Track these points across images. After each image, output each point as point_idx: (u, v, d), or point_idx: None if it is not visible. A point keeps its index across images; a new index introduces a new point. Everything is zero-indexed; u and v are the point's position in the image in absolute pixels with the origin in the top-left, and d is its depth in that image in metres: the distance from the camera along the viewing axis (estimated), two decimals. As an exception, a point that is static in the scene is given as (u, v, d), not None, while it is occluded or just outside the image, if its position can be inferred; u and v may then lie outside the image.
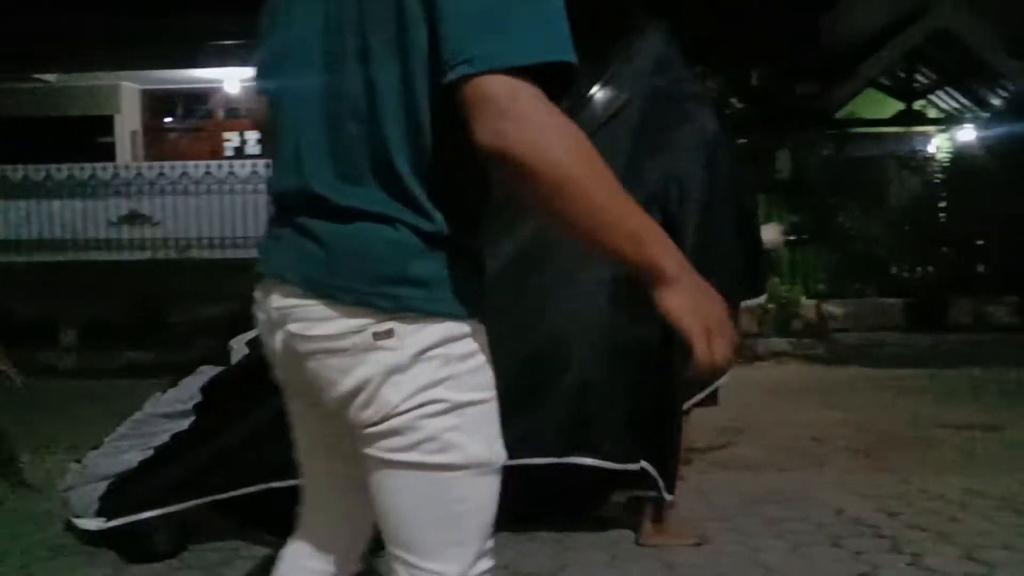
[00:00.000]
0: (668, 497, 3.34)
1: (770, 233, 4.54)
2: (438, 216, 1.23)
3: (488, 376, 1.31)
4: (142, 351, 8.36)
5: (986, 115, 11.31)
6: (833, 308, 8.93)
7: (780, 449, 5.19)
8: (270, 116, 1.42)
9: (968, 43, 11.10)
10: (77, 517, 3.19)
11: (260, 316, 1.39)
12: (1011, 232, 9.13)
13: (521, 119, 1.09)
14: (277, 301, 1.30)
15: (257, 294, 1.39)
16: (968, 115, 12.00)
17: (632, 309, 3.06)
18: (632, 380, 3.20)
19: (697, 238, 3.12)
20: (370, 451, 1.28)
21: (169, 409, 3.20)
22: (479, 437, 1.28)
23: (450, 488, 1.27)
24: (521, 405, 2.87)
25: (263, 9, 1.42)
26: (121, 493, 3.10)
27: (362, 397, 1.24)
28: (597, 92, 3.28)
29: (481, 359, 1.29)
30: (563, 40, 1.14)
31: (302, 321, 1.27)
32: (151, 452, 3.13)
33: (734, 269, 3.33)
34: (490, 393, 1.31)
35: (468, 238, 1.28)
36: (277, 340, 1.34)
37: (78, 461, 3.36)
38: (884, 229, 9.60)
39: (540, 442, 3.02)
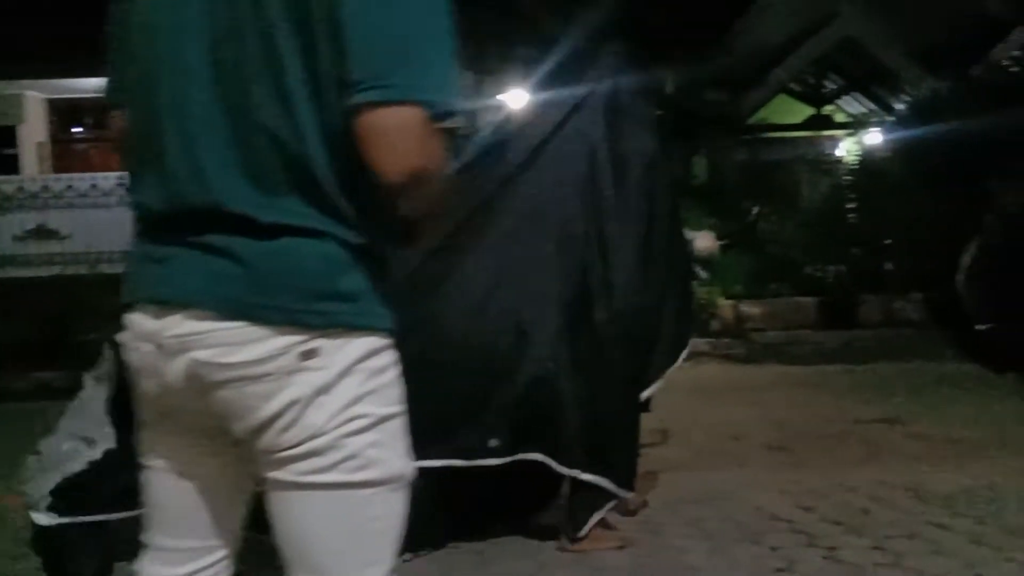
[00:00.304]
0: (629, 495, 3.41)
1: (705, 241, 4.68)
2: (363, 228, 1.22)
3: (401, 388, 1.30)
4: (53, 371, 8.02)
5: (891, 119, 11.80)
6: (750, 308, 9.17)
7: (701, 449, 5.30)
8: (133, 131, 1.33)
9: (873, 50, 11.58)
10: (32, 509, 3.02)
11: (140, 347, 1.28)
12: (916, 232, 9.54)
13: (414, 150, 1.13)
14: (177, 328, 1.22)
15: (133, 323, 1.29)
16: (874, 119, 12.51)
17: (584, 312, 3.20)
18: (585, 384, 3.23)
19: (632, 315, 3.26)
20: (279, 475, 1.24)
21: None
22: (396, 451, 1.27)
23: (367, 506, 1.25)
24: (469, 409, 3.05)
25: (110, 17, 1.33)
26: (75, 490, 2.98)
27: (283, 421, 1.20)
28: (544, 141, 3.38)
29: (396, 371, 1.29)
30: (456, 82, 1.21)
31: (216, 347, 1.19)
32: (100, 455, 2.97)
33: (666, 337, 3.52)
34: (403, 406, 1.30)
35: (386, 249, 1.27)
36: (173, 371, 1.24)
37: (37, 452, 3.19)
38: (797, 231, 9.91)
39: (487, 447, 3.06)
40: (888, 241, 9.96)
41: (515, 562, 3.41)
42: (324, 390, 1.20)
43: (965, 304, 8.36)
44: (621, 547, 3.49)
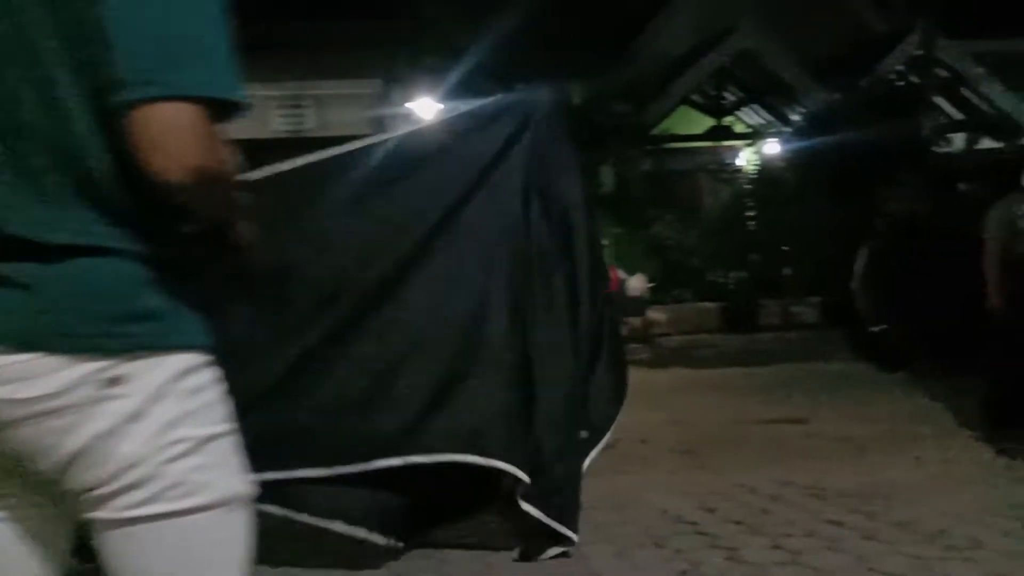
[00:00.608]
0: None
1: (636, 283, 4.84)
2: (159, 239, 1.13)
3: (227, 406, 1.22)
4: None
5: (787, 130, 12.26)
6: (656, 314, 9.34)
7: (609, 453, 5.31)
8: None
9: (769, 64, 12.01)
10: None
11: None
12: (811, 238, 9.93)
13: (188, 148, 1.07)
14: None
15: None
16: (772, 130, 12.96)
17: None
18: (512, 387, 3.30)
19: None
20: (101, 514, 1.14)
21: None
22: (227, 472, 1.20)
23: (203, 533, 1.17)
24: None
25: None
26: None
27: (92, 456, 1.11)
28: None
29: (218, 389, 1.20)
30: (236, 78, 1.16)
31: (9, 383, 1.10)
32: None
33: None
34: (231, 424, 1.22)
35: (191, 260, 1.19)
36: None
37: None
38: (700, 238, 10.18)
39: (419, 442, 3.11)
40: (785, 248, 10.32)
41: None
42: (134, 418, 1.11)
43: (859, 307, 8.73)
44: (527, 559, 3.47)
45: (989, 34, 13.06)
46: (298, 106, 11.39)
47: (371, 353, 3.16)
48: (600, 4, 10.36)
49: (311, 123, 11.46)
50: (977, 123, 12.71)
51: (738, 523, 3.84)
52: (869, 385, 7.26)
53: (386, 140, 3.50)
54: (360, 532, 3.21)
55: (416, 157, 3.40)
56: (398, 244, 3.27)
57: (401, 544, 3.33)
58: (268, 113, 11.36)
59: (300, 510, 3.13)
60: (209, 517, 1.18)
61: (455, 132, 3.58)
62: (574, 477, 3.48)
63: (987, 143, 12.72)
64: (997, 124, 12.42)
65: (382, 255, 3.25)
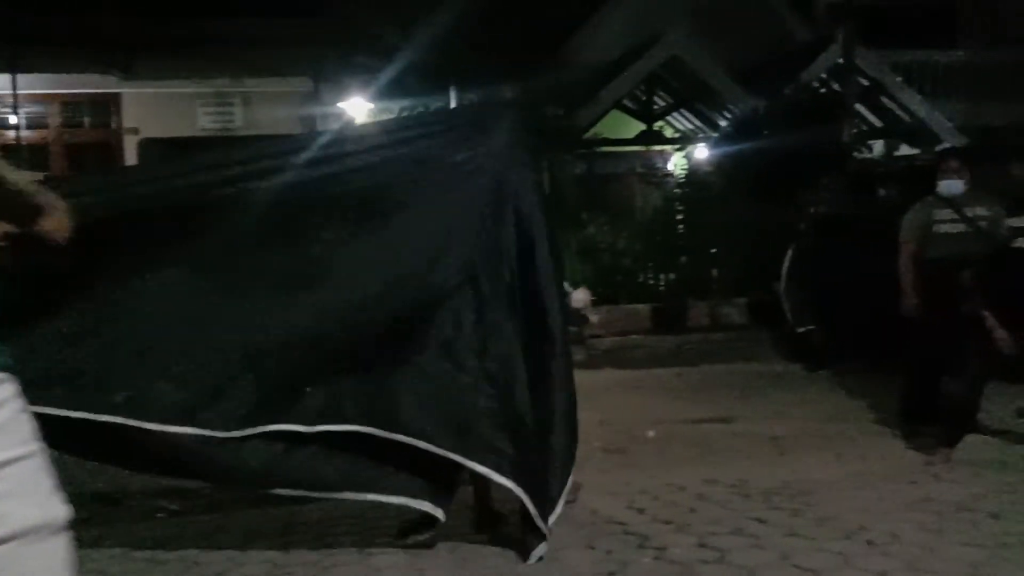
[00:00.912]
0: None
1: (580, 295, 4.97)
2: None
3: (29, 426, 1.14)
4: None
5: (715, 135, 12.51)
6: (589, 315, 9.38)
7: (541, 456, 5.36)
8: None
9: (697, 70, 12.23)
10: None
11: None
12: (739, 240, 10.14)
13: None
14: None
15: None
16: (700, 135, 13.21)
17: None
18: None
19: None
20: None
21: None
22: (27, 498, 1.12)
23: (8, 567, 1.08)
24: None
25: None
26: None
27: None
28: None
29: (14, 408, 1.13)
30: None
31: None
32: None
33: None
34: (34, 445, 1.14)
35: None
36: None
37: None
38: (631, 241, 10.29)
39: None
40: (714, 250, 10.51)
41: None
42: None
43: (785, 308, 8.95)
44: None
45: (905, 45, 13.60)
46: (226, 104, 11.14)
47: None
48: (532, 8, 10.40)
49: (239, 121, 11.21)
50: (895, 130, 13.20)
51: (666, 522, 3.88)
52: (794, 384, 7.45)
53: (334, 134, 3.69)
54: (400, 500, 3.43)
55: (372, 159, 3.47)
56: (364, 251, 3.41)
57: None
58: (195, 111, 11.09)
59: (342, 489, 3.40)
60: (12, 549, 1.08)
61: (415, 133, 3.63)
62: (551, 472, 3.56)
63: (905, 149, 13.23)
64: (913, 131, 12.92)
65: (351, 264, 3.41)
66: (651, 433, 5.79)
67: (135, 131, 11.24)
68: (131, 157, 11.27)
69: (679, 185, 11.09)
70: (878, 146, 13.06)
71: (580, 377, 7.90)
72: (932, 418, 5.42)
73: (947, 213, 5.35)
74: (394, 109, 9.37)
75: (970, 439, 5.00)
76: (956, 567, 3.31)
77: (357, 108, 9.19)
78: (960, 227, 5.30)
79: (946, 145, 10.56)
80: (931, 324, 5.33)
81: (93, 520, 4.30)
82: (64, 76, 10.05)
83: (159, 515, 4.51)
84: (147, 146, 11.33)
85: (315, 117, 9.66)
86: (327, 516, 4.24)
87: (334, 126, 9.51)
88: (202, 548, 3.83)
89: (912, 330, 5.47)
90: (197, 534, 4.07)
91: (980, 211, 5.30)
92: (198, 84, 10.58)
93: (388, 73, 9.26)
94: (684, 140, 13.25)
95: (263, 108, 10.84)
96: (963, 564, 3.34)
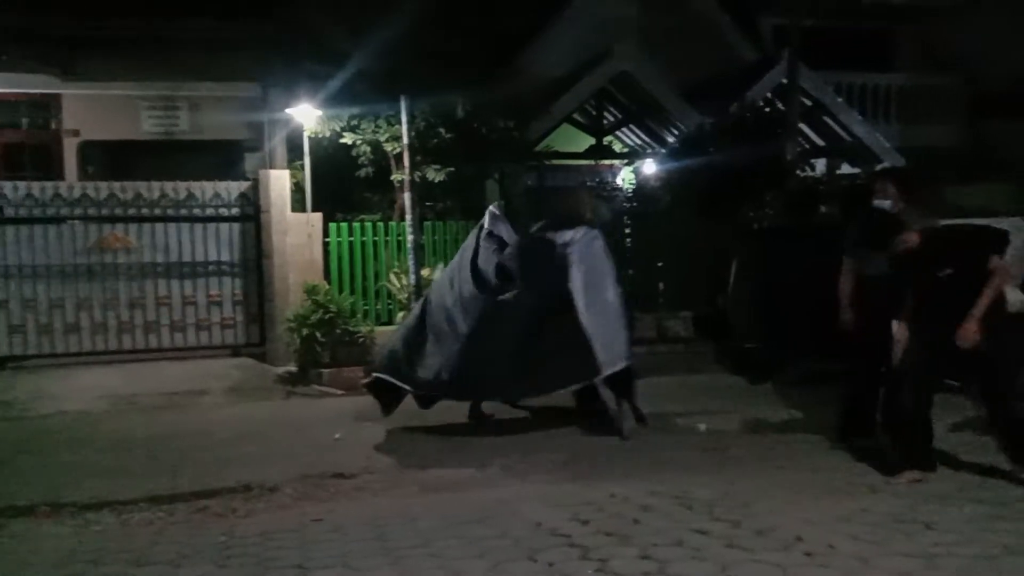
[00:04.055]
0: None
1: None
2: None
3: None
4: None
5: (663, 151, 12.67)
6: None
7: (487, 465, 5.34)
8: None
9: (645, 86, 12.39)
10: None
11: None
12: (684, 254, 10.27)
13: None
14: None
15: None
16: (648, 150, 13.37)
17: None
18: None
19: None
20: None
21: None
22: None
23: None
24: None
25: None
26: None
27: None
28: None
29: None
30: None
31: None
32: None
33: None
34: None
35: None
36: None
37: None
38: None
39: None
40: (660, 263, 10.62)
41: None
42: None
43: (731, 321, 9.08)
44: None
45: (846, 67, 13.99)
46: (171, 107, 10.92)
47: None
48: (484, 19, 10.42)
49: (184, 125, 10.99)
50: (836, 149, 13.54)
51: (609, 534, 3.90)
52: (737, 397, 7.55)
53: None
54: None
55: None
56: None
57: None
58: (138, 114, 10.84)
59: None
60: None
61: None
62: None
63: (846, 168, 13.57)
64: (854, 150, 13.26)
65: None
66: (595, 445, 5.81)
67: (75, 133, 10.94)
68: (71, 160, 10.98)
69: (627, 199, 11.19)
70: (820, 164, 13.36)
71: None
72: (865, 431, 5.56)
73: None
74: (343, 116, 9.30)
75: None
76: (890, 577, 3.39)
77: (306, 115, 9.08)
78: None
79: (885, 165, 10.86)
80: (865, 338, 5.47)
81: (27, 534, 4.17)
82: (1, 75, 9.74)
83: (95, 528, 4.39)
84: (88, 149, 11.05)
85: (263, 123, 9.52)
86: (265, 531, 4.17)
87: (281, 131, 9.39)
88: (138, 564, 3.73)
89: (848, 345, 5.60)
90: (132, 548, 3.97)
91: None
92: (142, 86, 10.34)
93: (338, 80, 9.17)
94: (633, 155, 13.38)
95: (209, 113, 10.64)
96: (896, 574, 3.42)
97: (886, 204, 5.50)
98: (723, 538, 3.81)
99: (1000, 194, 10.12)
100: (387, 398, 6.42)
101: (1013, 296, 5.37)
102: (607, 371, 5.90)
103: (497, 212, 6.66)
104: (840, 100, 13.34)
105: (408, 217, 8.94)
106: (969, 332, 4.55)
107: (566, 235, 6.24)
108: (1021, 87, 12.93)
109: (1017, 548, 3.67)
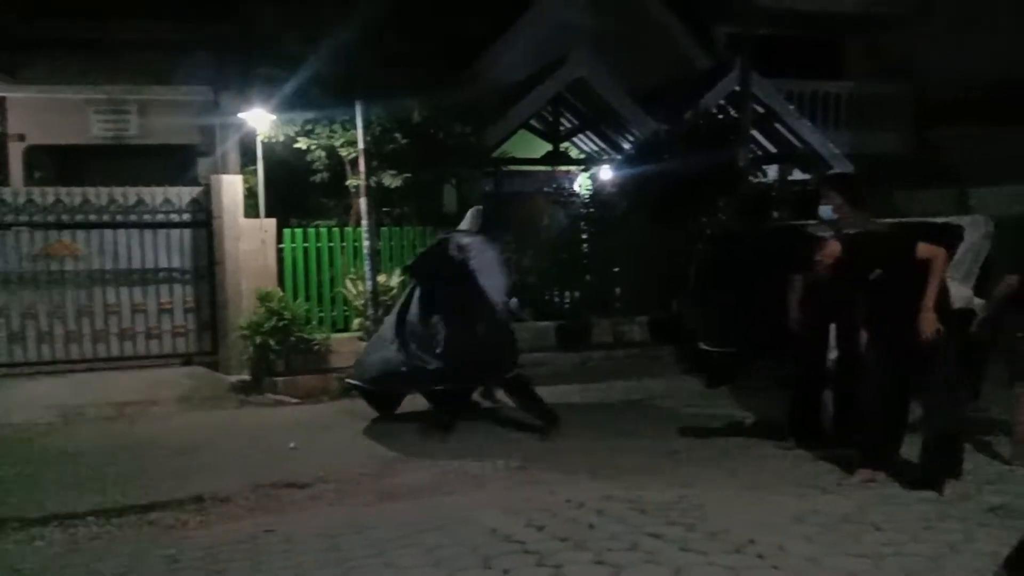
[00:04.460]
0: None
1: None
2: None
3: None
4: None
5: (619, 157, 12.76)
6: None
7: (443, 473, 5.31)
8: None
9: (601, 93, 12.47)
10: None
11: None
12: (640, 259, 10.35)
13: None
14: None
15: None
16: (604, 156, 13.46)
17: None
18: None
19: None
20: None
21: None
22: None
23: None
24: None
25: None
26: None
27: None
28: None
29: None
30: None
31: None
32: None
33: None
34: None
35: None
36: None
37: None
38: (537, 259, 10.38)
39: None
40: (616, 269, 10.69)
41: None
42: None
43: (687, 325, 9.15)
44: None
45: (798, 75, 14.26)
46: (120, 111, 10.71)
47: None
48: (441, 24, 10.40)
49: (134, 130, 10.78)
50: (788, 155, 13.78)
51: (564, 539, 3.90)
52: (692, 400, 7.63)
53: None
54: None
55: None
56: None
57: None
58: (87, 117, 10.61)
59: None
60: None
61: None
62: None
63: (798, 174, 13.81)
64: (805, 157, 13.51)
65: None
66: (552, 449, 5.83)
67: (20, 138, 10.68)
68: (16, 165, 10.71)
69: (584, 205, 11.26)
70: (772, 171, 13.58)
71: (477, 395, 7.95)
72: (816, 430, 5.66)
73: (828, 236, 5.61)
74: (298, 121, 9.20)
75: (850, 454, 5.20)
76: (839, 578, 3.44)
77: (259, 119, 8.97)
78: None
79: (835, 171, 11.05)
80: (810, 343, 5.57)
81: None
82: (-59, 78, 9.48)
83: (40, 543, 4.28)
84: (34, 154, 10.79)
85: (215, 127, 9.38)
86: (215, 543, 4.10)
87: (234, 136, 9.26)
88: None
89: (795, 348, 5.70)
90: (78, 564, 3.87)
91: None
92: (90, 89, 10.12)
93: (293, 84, 9.07)
94: (589, 161, 13.46)
95: (160, 117, 10.46)
96: (845, 574, 3.47)
97: (827, 210, 5.62)
98: (677, 541, 3.84)
99: (945, 199, 10.39)
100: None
101: (958, 292, 5.46)
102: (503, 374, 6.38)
103: (473, 217, 6.79)
104: (792, 107, 13.57)
105: (364, 223, 8.88)
106: (927, 322, 4.53)
107: (463, 240, 6.48)
108: (965, 95, 13.30)
109: (962, 547, 3.76)
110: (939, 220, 6.82)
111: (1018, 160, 11.15)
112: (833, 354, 5.57)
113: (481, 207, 7.13)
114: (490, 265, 6.35)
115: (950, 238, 6.03)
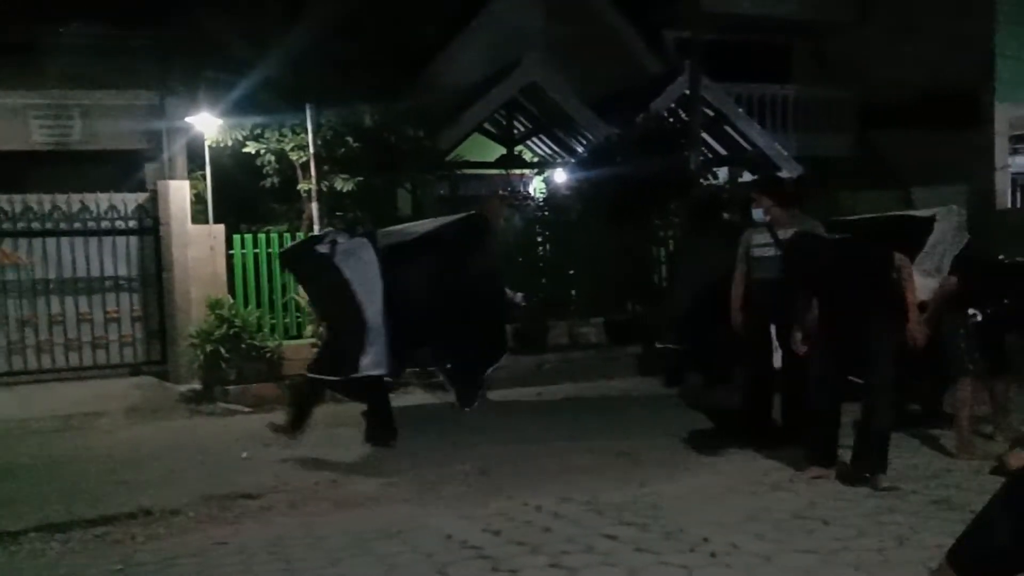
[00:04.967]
0: None
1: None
2: None
3: None
4: None
5: (572, 160, 12.83)
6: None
7: (397, 480, 5.27)
8: None
9: (554, 97, 12.53)
10: None
11: None
12: (595, 261, 10.41)
13: None
14: None
15: None
16: (558, 160, 13.52)
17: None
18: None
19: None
20: None
21: None
22: None
23: None
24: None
25: None
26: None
27: None
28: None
29: None
30: None
31: None
32: None
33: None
34: None
35: None
36: None
37: None
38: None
39: None
40: (572, 271, 10.73)
41: None
42: None
43: (647, 326, 9.21)
44: None
45: (746, 79, 14.49)
46: (63, 116, 10.44)
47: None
48: (393, 28, 10.34)
49: (78, 135, 10.50)
50: (737, 158, 13.99)
51: (520, 544, 3.89)
52: (648, 401, 7.69)
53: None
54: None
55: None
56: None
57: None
58: (27, 123, 10.32)
59: None
60: None
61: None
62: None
63: (747, 176, 14.02)
64: (755, 159, 13.72)
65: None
66: (510, 453, 5.82)
67: (-42, 144, 10.37)
68: (-47, 171, 10.38)
69: (539, 208, 11.28)
70: (723, 173, 13.77)
71: (443, 398, 7.96)
72: (766, 429, 5.75)
73: (764, 238, 5.72)
74: (246, 125, 9.07)
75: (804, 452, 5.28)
76: (791, 574, 3.49)
77: (207, 123, 8.82)
78: (771, 251, 5.66)
79: (766, 174, 11.21)
80: (754, 341, 5.67)
81: None
82: None
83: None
84: (-28, 160, 10.47)
85: (160, 131, 9.20)
86: (165, 557, 4.01)
87: (181, 140, 9.10)
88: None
89: (740, 348, 5.79)
90: None
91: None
92: (31, 94, 9.86)
93: (241, 88, 8.94)
94: (543, 164, 13.51)
95: (104, 121, 10.20)
96: (797, 571, 3.53)
97: (759, 213, 5.73)
98: (632, 542, 3.86)
99: (889, 199, 10.63)
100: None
101: (925, 284, 5.53)
102: (359, 374, 5.93)
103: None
104: (741, 111, 13.79)
105: (316, 228, 8.79)
106: (918, 335, 4.83)
107: (338, 238, 6.26)
108: (905, 99, 13.65)
109: (909, 540, 3.84)
110: (917, 213, 6.73)
111: (953, 161, 11.50)
112: (779, 354, 5.66)
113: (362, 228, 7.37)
114: (361, 269, 6.02)
115: (918, 233, 6.07)
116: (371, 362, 5.90)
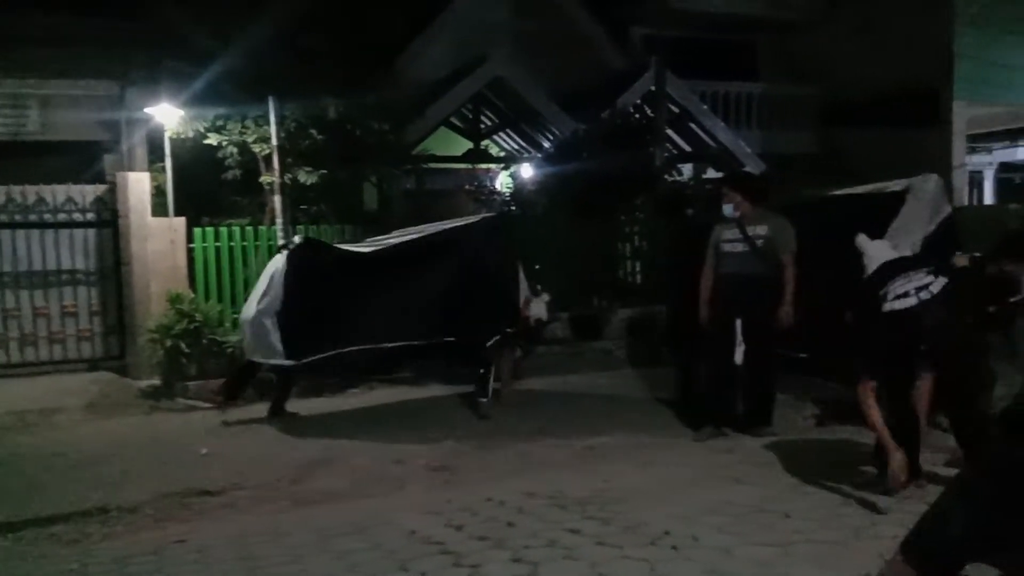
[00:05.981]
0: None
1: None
2: None
3: None
4: None
5: (539, 155, 12.83)
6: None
7: (362, 476, 5.24)
8: None
9: (520, 92, 12.52)
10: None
11: None
12: (562, 257, 10.42)
13: None
14: None
15: None
16: (525, 155, 13.51)
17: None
18: None
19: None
20: None
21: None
22: None
23: None
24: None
25: None
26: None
27: None
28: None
29: None
30: None
31: None
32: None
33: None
34: None
35: None
36: None
37: None
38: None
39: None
40: (538, 266, 10.72)
41: None
42: None
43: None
44: None
45: (711, 76, 14.60)
46: (20, 106, 10.20)
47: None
48: (358, 21, 10.25)
49: (34, 125, 10.27)
50: (702, 154, 14.10)
51: (483, 539, 3.89)
52: (612, 396, 7.71)
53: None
54: None
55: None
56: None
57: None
58: (-17, 113, 10.08)
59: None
60: None
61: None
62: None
63: (712, 173, 14.15)
64: (719, 156, 13.85)
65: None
66: (474, 448, 5.81)
67: (-91, 134, 10.09)
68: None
69: (505, 203, 11.26)
70: (687, 169, 13.87)
71: (407, 394, 7.93)
72: (730, 422, 5.82)
73: (733, 233, 5.78)
74: (208, 117, 8.93)
75: (765, 444, 5.35)
76: (750, 567, 3.53)
77: (167, 114, 8.67)
78: (740, 246, 5.72)
79: (735, 170, 11.33)
80: (717, 335, 5.73)
81: None
82: None
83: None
84: (-77, 150, 10.18)
85: (120, 122, 9.03)
86: (121, 556, 3.95)
87: (141, 132, 8.94)
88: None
89: (705, 339, 5.85)
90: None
91: (760, 231, 5.74)
92: (-14, 84, 9.63)
93: (203, 79, 8.80)
94: (509, 159, 13.49)
95: (62, 112, 9.98)
96: (757, 564, 3.56)
97: (728, 208, 5.79)
98: (594, 536, 3.88)
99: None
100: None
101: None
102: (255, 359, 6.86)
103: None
104: (705, 107, 13.89)
105: (279, 221, 8.69)
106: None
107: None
108: (864, 97, 13.85)
109: (866, 532, 3.90)
110: (890, 185, 6.37)
111: (912, 159, 11.69)
112: (741, 349, 5.72)
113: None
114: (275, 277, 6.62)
115: (889, 207, 5.96)
116: (266, 352, 6.66)
